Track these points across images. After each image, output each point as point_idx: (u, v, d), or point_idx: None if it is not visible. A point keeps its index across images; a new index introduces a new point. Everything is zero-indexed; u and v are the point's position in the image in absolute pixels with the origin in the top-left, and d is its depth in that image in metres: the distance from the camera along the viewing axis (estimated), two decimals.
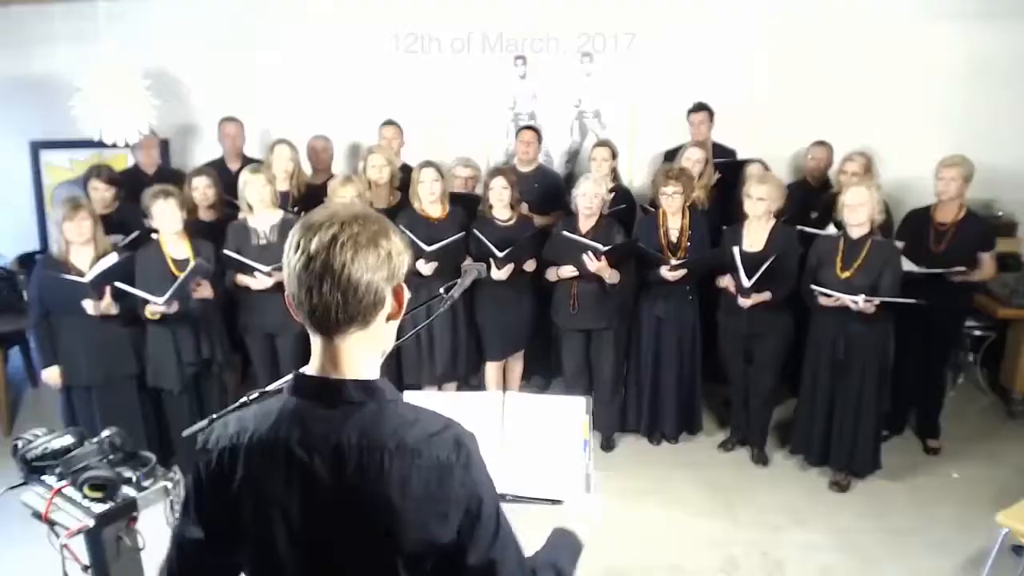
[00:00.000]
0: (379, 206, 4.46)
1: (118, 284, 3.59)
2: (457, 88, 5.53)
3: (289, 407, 1.17)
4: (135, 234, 4.32)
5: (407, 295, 1.21)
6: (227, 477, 1.17)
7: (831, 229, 4.17)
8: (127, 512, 2.33)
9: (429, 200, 4.22)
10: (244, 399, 1.62)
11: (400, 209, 4.35)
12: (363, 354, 1.18)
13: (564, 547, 1.49)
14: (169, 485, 2.41)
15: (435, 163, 4.30)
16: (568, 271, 4.12)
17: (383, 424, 1.14)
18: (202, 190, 4.41)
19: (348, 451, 1.12)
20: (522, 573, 1.22)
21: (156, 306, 3.62)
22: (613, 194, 4.61)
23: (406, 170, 4.54)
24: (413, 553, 1.12)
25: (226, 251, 3.89)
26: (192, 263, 3.69)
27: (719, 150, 5.02)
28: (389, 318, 1.19)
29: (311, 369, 1.19)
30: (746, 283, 3.86)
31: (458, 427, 1.18)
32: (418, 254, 4.00)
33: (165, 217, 3.75)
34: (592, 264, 3.98)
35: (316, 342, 1.18)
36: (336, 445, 1.12)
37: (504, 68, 5.53)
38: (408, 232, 3.96)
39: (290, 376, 1.22)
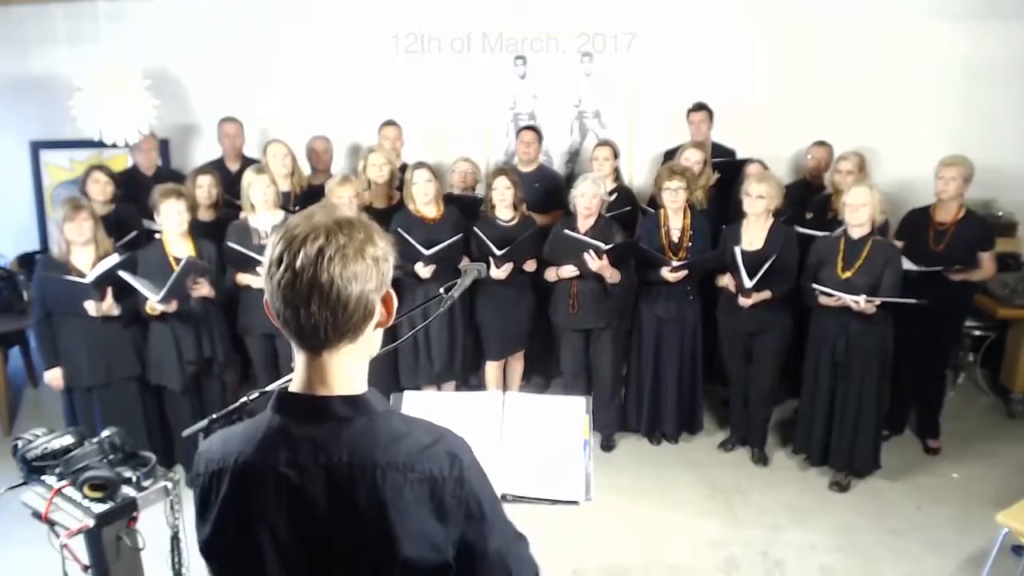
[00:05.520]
0: (378, 206, 4.47)
1: (120, 273, 3.60)
2: (457, 88, 5.53)
3: (275, 425, 1.13)
4: (133, 234, 4.33)
5: (395, 303, 1.18)
6: (215, 498, 1.15)
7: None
8: (127, 512, 2.33)
9: (423, 201, 4.22)
10: (244, 399, 1.62)
11: (398, 209, 4.35)
12: (351, 367, 1.14)
13: None
14: (169, 485, 2.41)
15: (428, 164, 4.31)
16: (568, 271, 4.11)
17: (373, 440, 1.11)
18: (207, 188, 4.42)
19: (339, 471, 1.09)
20: (523, 552, 1.25)
21: (154, 303, 3.63)
22: (615, 195, 4.61)
23: (405, 170, 4.54)
24: (409, 567, 1.11)
25: (229, 243, 3.89)
26: (183, 260, 3.70)
27: (718, 150, 5.02)
28: (378, 326, 1.17)
29: (296, 385, 1.15)
30: (747, 283, 3.86)
31: (451, 438, 1.16)
32: (416, 257, 4.00)
33: (172, 216, 3.76)
34: (593, 263, 3.98)
35: (301, 358, 1.14)
36: (326, 465, 1.09)
37: (504, 68, 5.53)
38: (405, 234, 3.96)
39: (282, 381, 1.21)
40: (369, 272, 1.09)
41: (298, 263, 1.05)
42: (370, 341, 1.17)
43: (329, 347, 1.11)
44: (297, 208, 4.49)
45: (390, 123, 5.05)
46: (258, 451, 1.13)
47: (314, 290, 1.06)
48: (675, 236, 4.20)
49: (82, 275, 3.63)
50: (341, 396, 1.13)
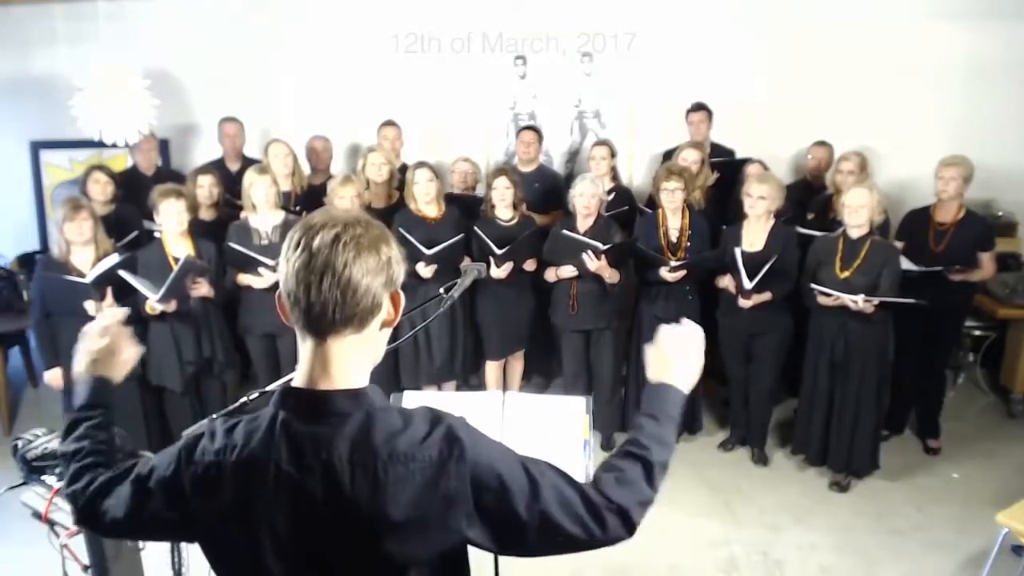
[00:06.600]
0: (377, 205, 4.47)
1: (120, 272, 3.59)
2: (457, 88, 5.53)
3: (277, 421, 1.14)
4: (133, 235, 4.33)
5: (403, 303, 1.20)
6: (212, 491, 1.14)
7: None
8: None
9: (424, 200, 4.22)
10: (244, 399, 1.63)
11: (398, 209, 4.35)
12: (354, 360, 1.16)
13: (657, 418, 1.46)
14: None
15: (429, 163, 4.31)
16: (568, 271, 4.11)
17: (374, 435, 1.12)
18: (207, 188, 4.42)
19: (340, 466, 1.10)
20: (586, 508, 1.21)
21: (153, 302, 3.63)
22: (613, 194, 4.61)
23: (405, 170, 4.54)
24: (419, 558, 1.11)
25: (230, 243, 3.89)
26: (182, 259, 3.69)
27: (717, 150, 5.02)
28: (384, 325, 1.18)
29: (298, 380, 1.16)
30: (747, 284, 3.86)
31: (448, 420, 1.16)
32: (417, 257, 4.00)
33: (172, 216, 3.76)
34: (592, 263, 3.98)
35: (306, 347, 1.15)
36: (327, 461, 1.10)
37: (504, 68, 5.53)
38: (406, 234, 3.96)
39: (283, 381, 1.21)
40: (380, 266, 1.13)
41: (314, 245, 1.10)
42: (376, 339, 1.19)
43: (335, 332, 1.13)
44: (298, 208, 4.49)
45: (390, 123, 5.05)
46: (259, 446, 1.14)
47: (327, 269, 1.09)
48: (673, 236, 4.19)
49: (82, 275, 3.63)
50: (342, 390, 1.14)
